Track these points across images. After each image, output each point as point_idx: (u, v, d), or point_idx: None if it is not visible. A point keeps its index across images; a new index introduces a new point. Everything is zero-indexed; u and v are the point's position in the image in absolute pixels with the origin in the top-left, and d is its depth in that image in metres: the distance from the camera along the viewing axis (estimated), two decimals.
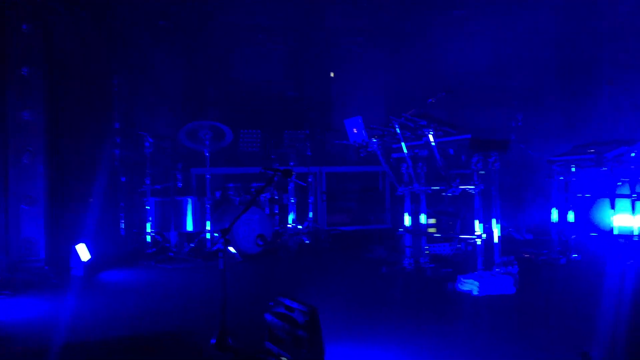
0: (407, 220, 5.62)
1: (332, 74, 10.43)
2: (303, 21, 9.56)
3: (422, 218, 5.60)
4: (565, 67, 8.26)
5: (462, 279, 4.53)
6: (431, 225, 6.13)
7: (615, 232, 5.62)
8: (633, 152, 5.38)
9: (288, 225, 7.40)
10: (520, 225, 7.58)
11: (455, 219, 6.32)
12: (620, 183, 5.51)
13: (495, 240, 4.90)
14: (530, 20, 8.47)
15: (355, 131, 5.50)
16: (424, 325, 3.67)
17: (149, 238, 6.58)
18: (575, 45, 8.12)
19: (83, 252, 5.38)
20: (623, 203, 5.66)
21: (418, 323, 3.74)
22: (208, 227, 6.61)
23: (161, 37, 8.58)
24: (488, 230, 5.03)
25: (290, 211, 7.43)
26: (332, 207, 8.94)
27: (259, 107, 9.38)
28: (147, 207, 6.61)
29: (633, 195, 5.31)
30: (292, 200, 7.42)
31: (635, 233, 5.41)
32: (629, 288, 4.43)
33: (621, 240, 5.58)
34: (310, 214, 7.73)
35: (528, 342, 3.24)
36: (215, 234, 6.58)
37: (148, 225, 6.60)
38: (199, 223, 6.80)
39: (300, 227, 7.46)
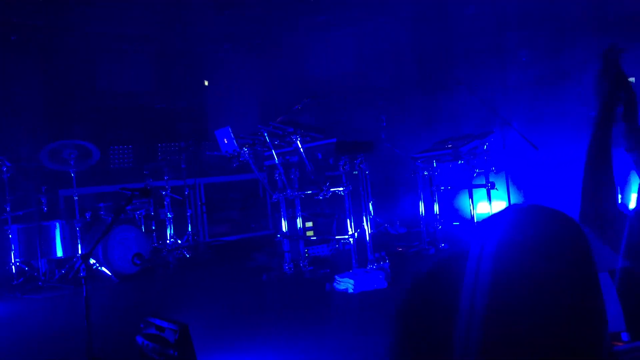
0: (284, 225, 5.71)
1: (206, 83, 10.32)
2: (170, 29, 9.35)
3: (299, 222, 5.72)
4: (423, 67, 8.78)
5: (338, 279, 4.68)
6: (309, 229, 6.26)
7: (476, 219, 6.07)
8: (485, 145, 5.84)
9: (167, 241, 7.22)
10: (394, 220, 7.95)
11: (331, 219, 6.50)
12: (475, 174, 5.95)
13: (368, 238, 5.12)
14: (389, 23, 8.90)
15: (226, 141, 5.48)
16: (302, 328, 3.75)
17: (14, 269, 6.14)
18: (431, 46, 8.66)
19: None
20: (480, 192, 6.12)
21: (297, 326, 3.82)
22: (80, 252, 6.29)
23: (16, 51, 8.04)
24: (361, 228, 5.24)
25: (168, 226, 7.26)
26: (213, 218, 8.86)
27: (129, 120, 9.08)
28: (9, 236, 6.16)
29: (488, 185, 5.75)
30: (169, 215, 7.25)
31: None
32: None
33: None
34: (190, 228, 7.60)
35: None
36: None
37: (12, 255, 6.16)
38: (69, 247, 6.43)
39: (179, 241, 7.31)
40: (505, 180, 5.88)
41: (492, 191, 5.80)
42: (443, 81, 7.87)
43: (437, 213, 6.30)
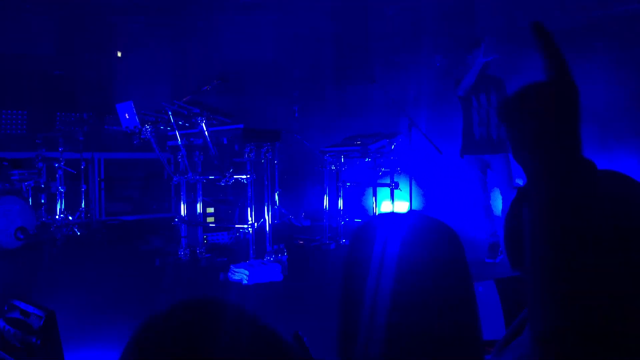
0: (183, 209, 5.50)
1: (119, 54, 9.79)
2: None
3: (199, 207, 5.52)
4: (340, 62, 8.78)
5: (233, 269, 4.55)
6: (210, 214, 6.07)
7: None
8: (393, 145, 5.89)
9: (56, 217, 6.77)
10: (299, 212, 7.91)
11: (234, 207, 6.35)
12: (381, 173, 6.00)
13: (268, 228, 5.01)
14: (310, 14, 8.82)
15: (128, 116, 5.19)
16: None
17: None
18: (349, 42, 8.68)
19: None
20: (384, 191, 6.18)
21: None
22: None
23: None
24: (262, 218, 5.13)
25: (59, 201, 6.80)
26: (111, 195, 8.41)
27: (26, 85, 8.43)
28: None
29: (392, 184, 5.81)
30: (61, 189, 6.80)
31: None
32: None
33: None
34: (84, 204, 7.17)
35: (282, 326, 3.35)
36: None
37: None
38: None
39: (70, 218, 6.87)
40: (409, 181, 5.97)
41: (395, 191, 5.87)
42: (358, 77, 7.90)
43: (341, 208, 6.30)
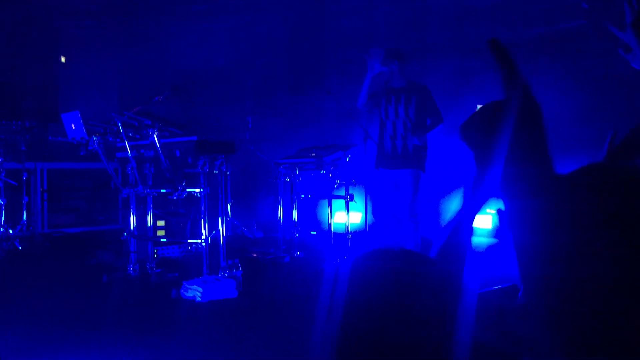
0: (133, 223, 5.31)
1: (62, 59, 9.45)
2: None
3: (149, 220, 5.35)
4: (295, 72, 8.73)
5: (186, 285, 4.41)
6: (160, 227, 5.90)
7: (333, 229, 6.09)
8: (348, 157, 5.87)
9: None
10: (252, 224, 7.79)
11: (185, 219, 6.19)
12: (336, 185, 5.96)
13: (222, 243, 4.88)
14: (265, 23, 8.76)
15: (74, 127, 4.97)
16: (140, 340, 3.44)
17: None
18: (304, 52, 8.64)
19: None
20: (339, 203, 6.15)
21: (134, 337, 3.50)
22: None
23: None
24: (216, 232, 5.00)
25: None
26: (55, 207, 8.07)
27: None
28: None
29: (347, 197, 5.78)
30: (1, 202, 6.46)
31: (349, 230, 5.93)
32: (338, 282, 4.80)
33: (349, 236, 6.04)
34: (25, 216, 6.85)
35: (239, 344, 3.27)
36: None
37: None
38: None
39: (11, 231, 6.55)
40: (364, 193, 5.96)
41: (350, 203, 5.85)
42: (313, 88, 7.87)
43: (296, 220, 6.24)
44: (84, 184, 8.48)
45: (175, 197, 4.69)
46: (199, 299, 4.26)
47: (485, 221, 6.75)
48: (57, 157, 7.99)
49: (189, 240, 5.06)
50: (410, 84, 5.19)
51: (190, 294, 4.34)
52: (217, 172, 4.89)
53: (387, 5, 8.15)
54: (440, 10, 7.83)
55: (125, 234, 5.28)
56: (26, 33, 8.76)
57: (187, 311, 4.11)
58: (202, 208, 4.71)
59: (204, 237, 4.71)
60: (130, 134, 4.76)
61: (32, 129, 6.98)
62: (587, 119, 6.21)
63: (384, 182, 5.21)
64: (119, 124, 4.64)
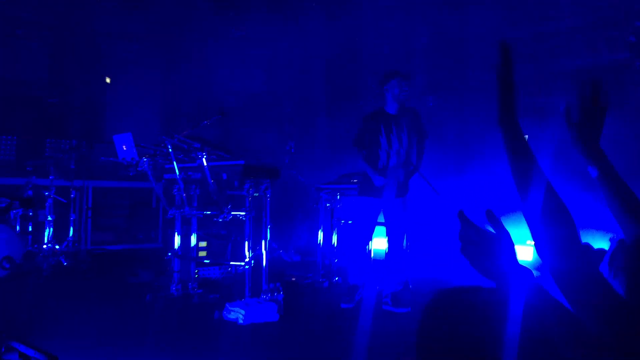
0: (177, 243, 5.41)
1: (108, 80, 9.75)
2: (72, 19, 8.74)
3: (193, 242, 5.45)
4: (334, 97, 8.83)
5: (229, 307, 4.47)
6: (202, 249, 5.99)
7: (372, 255, 6.10)
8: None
9: (44, 246, 6.61)
10: (289, 247, 7.85)
11: (226, 242, 6.27)
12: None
13: (264, 265, 4.94)
14: (303, 47, 8.90)
15: (125, 148, 5.14)
16: (182, 359, 3.50)
17: None
18: (343, 77, 8.75)
19: None
20: (380, 229, 6.16)
21: (176, 357, 3.57)
22: None
23: None
24: (258, 255, 5.07)
25: (47, 229, 6.65)
26: (98, 224, 8.26)
27: (16, 110, 8.33)
28: None
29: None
30: (50, 218, 6.65)
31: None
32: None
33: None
34: (72, 233, 7.03)
35: None
36: None
37: None
38: None
39: (58, 247, 6.72)
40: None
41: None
42: (351, 113, 7.94)
43: (335, 246, 6.27)
44: (124, 202, 8.67)
45: (220, 220, 4.78)
46: (241, 321, 4.31)
47: (526, 253, 6.67)
48: (101, 176, 8.21)
49: (232, 262, 5.12)
50: (404, 108, 5.06)
51: (232, 315, 4.39)
52: (261, 195, 4.97)
53: (425, 34, 8.22)
54: (477, 38, 7.86)
55: (170, 253, 5.38)
56: (73, 54, 9.08)
57: (230, 333, 4.16)
58: (247, 231, 4.79)
59: (247, 259, 4.77)
60: (179, 157, 4.89)
61: (80, 148, 7.19)
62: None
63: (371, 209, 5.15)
64: (169, 147, 4.77)
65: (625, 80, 7.00)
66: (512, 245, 1.19)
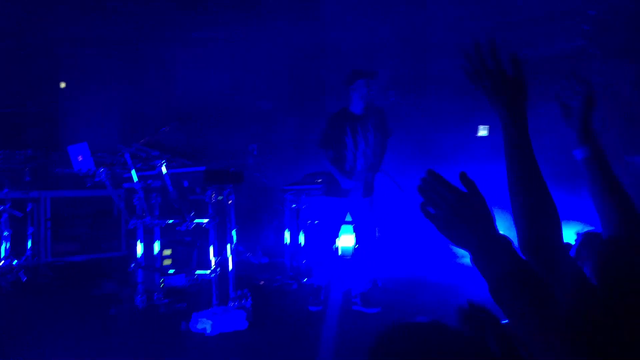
0: (140, 250, 5.26)
1: (62, 85, 9.46)
2: (22, 25, 8.43)
3: (155, 248, 5.31)
4: (297, 95, 8.75)
5: (196, 317, 4.36)
6: (166, 257, 5.86)
7: (339, 253, 6.07)
8: None
9: (0, 262, 6.36)
10: (257, 249, 7.74)
11: (192, 248, 6.14)
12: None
13: (231, 269, 4.84)
14: (265, 46, 8.78)
15: (81, 159, 4.97)
16: None
17: None
18: (305, 76, 8.67)
19: None
20: (347, 227, 6.13)
21: None
22: None
23: None
24: (224, 261, 4.97)
25: (2, 244, 6.41)
26: (59, 235, 7.99)
27: None
28: None
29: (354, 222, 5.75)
30: (6, 233, 6.40)
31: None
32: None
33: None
34: (30, 246, 6.79)
35: None
36: None
37: None
38: None
39: (16, 262, 6.48)
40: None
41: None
42: (315, 113, 7.88)
43: (303, 246, 6.21)
44: (86, 211, 8.42)
45: (183, 229, 4.66)
46: (209, 331, 4.22)
47: None
48: (60, 186, 7.95)
49: (198, 272, 5.01)
50: (369, 108, 4.99)
51: (200, 326, 4.30)
52: (224, 200, 4.87)
53: (387, 29, 8.20)
54: (439, 33, 7.88)
55: (133, 264, 5.24)
56: (26, 61, 8.77)
57: (197, 345, 4.07)
58: (211, 239, 4.68)
59: (212, 267, 4.67)
60: (138, 165, 4.74)
61: (35, 158, 6.95)
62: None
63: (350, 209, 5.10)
64: (127, 156, 4.62)
65: (582, 67, 7.12)
66: (490, 210, 1.07)
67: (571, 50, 7.39)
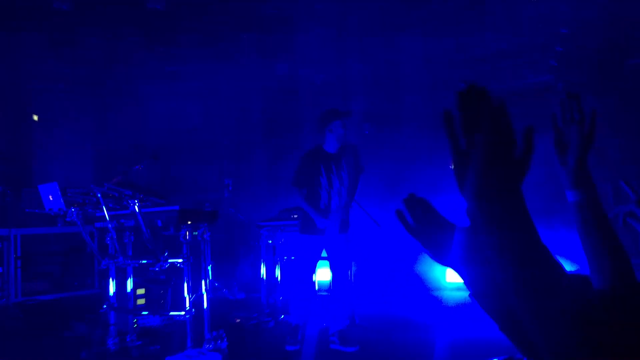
0: (112, 290, 5.14)
1: (35, 117, 9.34)
2: None
3: (129, 286, 5.21)
4: (271, 131, 8.78)
5: None
6: (140, 296, 5.75)
7: (316, 288, 6.03)
8: None
9: None
10: (232, 285, 7.65)
11: (166, 287, 6.05)
12: None
13: (206, 307, 4.76)
14: (238, 81, 8.82)
15: (51, 198, 4.88)
16: None
17: None
18: (278, 110, 8.71)
19: None
20: (323, 262, 6.11)
21: None
22: None
23: None
24: (200, 299, 4.89)
25: None
26: (30, 273, 7.81)
27: None
28: None
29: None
30: None
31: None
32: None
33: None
34: None
35: None
36: None
37: None
38: None
39: None
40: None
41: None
42: (289, 147, 7.91)
43: (279, 282, 6.16)
44: (57, 248, 8.25)
45: (157, 269, 4.59)
46: None
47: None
48: (31, 223, 7.78)
49: (172, 313, 4.92)
50: (343, 146, 4.99)
51: None
52: (199, 237, 4.82)
53: (359, 64, 8.32)
54: (410, 68, 8.01)
55: (105, 306, 5.13)
56: None
57: None
58: (184, 279, 4.61)
59: (187, 308, 4.59)
60: (110, 205, 4.68)
61: (5, 195, 6.83)
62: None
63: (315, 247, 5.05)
64: (99, 196, 4.56)
65: (550, 101, 7.29)
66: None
67: (539, 85, 7.58)
